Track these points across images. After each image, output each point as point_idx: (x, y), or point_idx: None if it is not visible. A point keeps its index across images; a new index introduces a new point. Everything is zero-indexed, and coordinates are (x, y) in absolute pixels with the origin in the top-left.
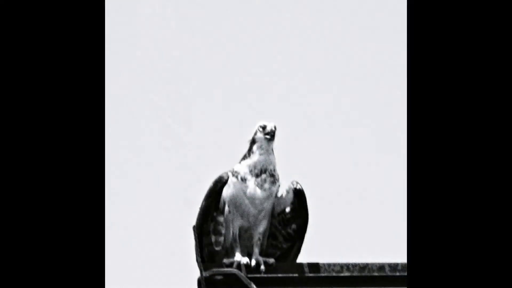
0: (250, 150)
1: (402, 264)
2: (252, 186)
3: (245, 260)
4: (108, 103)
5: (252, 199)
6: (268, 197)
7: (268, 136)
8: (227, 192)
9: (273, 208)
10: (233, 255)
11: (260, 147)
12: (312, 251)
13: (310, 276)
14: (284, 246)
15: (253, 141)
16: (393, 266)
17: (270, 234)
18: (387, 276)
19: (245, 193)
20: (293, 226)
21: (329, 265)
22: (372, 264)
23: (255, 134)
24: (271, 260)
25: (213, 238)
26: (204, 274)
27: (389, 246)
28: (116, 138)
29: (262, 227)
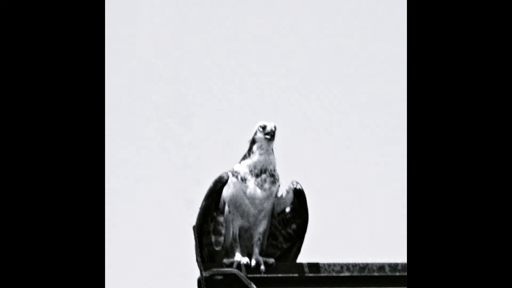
0: (250, 150)
1: (402, 264)
2: (252, 186)
3: (245, 260)
4: (108, 103)
5: (252, 199)
6: (268, 197)
7: (268, 136)
8: (227, 192)
9: (273, 208)
10: (233, 255)
11: (260, 147)
12: (312, 251)
13: (310, 276)
14: (284, 246)
15: (253, 141)
16: (393, 266)
17: (270, 234)
18: (387, 276)
19: (245, 193)
20: (293, 226)
21: (329, 265)
22: (372, 264)
23: (255, 134)
24: (271, 260)
25: (213, 238)
26: (204, 274)
27: (389, 246)
28: (116, 138)
29: (262, 227)
